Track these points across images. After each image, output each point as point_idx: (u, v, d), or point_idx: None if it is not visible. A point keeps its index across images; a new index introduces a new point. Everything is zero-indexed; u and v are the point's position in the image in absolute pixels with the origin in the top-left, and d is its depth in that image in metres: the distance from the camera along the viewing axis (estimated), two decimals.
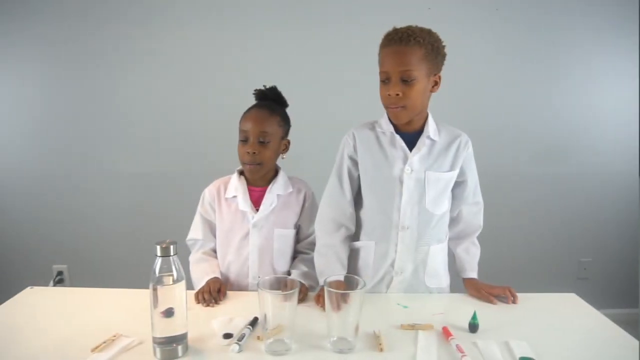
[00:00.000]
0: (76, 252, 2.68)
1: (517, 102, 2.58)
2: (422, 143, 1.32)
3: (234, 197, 1.47)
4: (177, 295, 0.98)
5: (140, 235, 2.52)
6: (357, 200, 1.44)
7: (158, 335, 0.98)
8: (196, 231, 1.53)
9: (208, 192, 1.52)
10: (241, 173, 1.51)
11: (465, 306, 1.28)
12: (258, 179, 1.47)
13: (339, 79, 2.50)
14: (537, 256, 2.69)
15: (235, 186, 1.48)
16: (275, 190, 1.47)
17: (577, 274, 2.75)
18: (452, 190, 1.41)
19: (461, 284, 1.44)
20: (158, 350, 0.99)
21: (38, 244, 2.69)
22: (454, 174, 1.36)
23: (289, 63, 2.49)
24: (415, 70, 1.22)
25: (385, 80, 1.27)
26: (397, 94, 1.24)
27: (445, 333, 1.11)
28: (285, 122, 1.49)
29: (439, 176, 1.34)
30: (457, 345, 1.03)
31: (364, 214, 1.43)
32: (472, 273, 1.43)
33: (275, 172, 1.51)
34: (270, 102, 1.48)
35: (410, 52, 1.22)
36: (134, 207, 2.64)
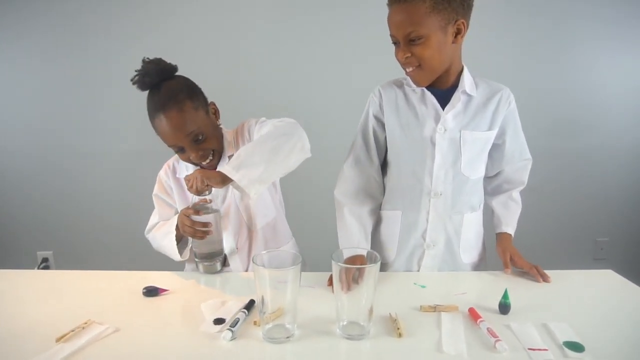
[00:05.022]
0: (62, 237, 2.56)
1: (529, 75, 2.41)
2: (457, 99, 1.16)
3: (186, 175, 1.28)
4: (212, 217, 1.14)
5: (129, 217, 2.36)
6: (382, 164, 1.29)
7: (199, 252, 1.18)
8: (153, 217, 1.34)
9: (164, 173, 1.33)
10: None
11: (492, 285, 1.14)
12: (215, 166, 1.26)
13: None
14: (551, 236, 2.55)
15: (186, 165, 1.28)
16: (226, 157, 1.26)
17: (593, 255, 2.61)
18: (490, 152, 1.25)
19: (497, 260, 1.27)
20: (200, 265, 1.20)
21: (21, 229, 2.55)
22: (493, 133, 1.20)
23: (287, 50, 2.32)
24: (421, 28, 1.05)
25: (395, 43, 1.12)
26: (407, 57, 1.09)
27: (473, 315, 0.95)
28: (195, 94, 1.19)
29: (476, 136, 1.18)
30: (488, 329, 0.88)
31: (390, 180, 1.28)
32: (507, 227, 1.29)
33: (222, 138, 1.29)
34: (161, 87, 1.15)
35: (413, 10, 1.04)
36: (120, 188, 2.49)
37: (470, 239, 1.27)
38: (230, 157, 1.24)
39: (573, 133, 2.49)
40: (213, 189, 1.11)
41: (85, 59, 2.39)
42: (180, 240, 1.23)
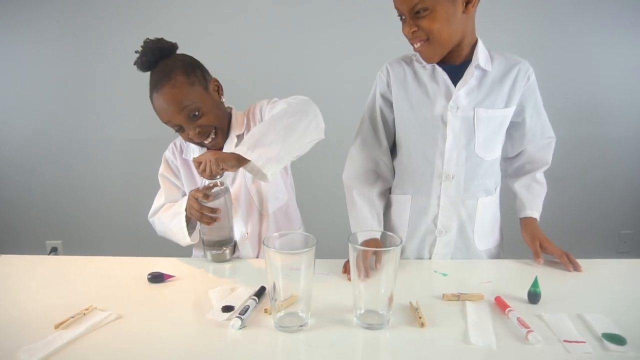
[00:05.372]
0: (71, 226, 2.53)
1: (551, 63, 2.29)
2: (470, 74, 1.08)
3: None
4: (223, 202, 1.09)
5: (137, 205, 2.33)
6: (392, 146, 1.22)
7: (207, 239, 1.12)
8: (159, 199, 1.27)
9: (170, 153, 1.28)
10: None
11: (517, 273, 1.07)
12: (220, 145, 1.19)
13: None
14: (572, 228, 2.44)
15: (192, 147, 1.23)
16: (233, 136, 1.20)
17: (616, 248, 2.52)
18: (510, 131, 1.18)
19: (515, 245, 1.20)
20: (209, 254, 1.13)
21: (31, 219, 2.54)
22: (510, 110, 1.12)
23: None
24: None
25: (401, 17, 1.05)
26: (413, 31, 1.02)
27: (500, 304, 0.88)
28: (191, 69, 1.13)
29: (491, 114, 1.10)
30: (518, 319, 0.81)
31: (399, 162, 1.21)
32: (532, 212, 1.20)
33: (229, 118, 1.24)
34: (160, 64, 1.12)
35: None
36: (129, 176, 2.46)
37: (485, 224, 1.19)
38: (238, 137, 1.19)
39: (598, 121, 2.39)
40: (225, 172, 1.04)
41: (90, 47, 2.36)
42: (189, 222, 1.17)
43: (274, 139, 0.97)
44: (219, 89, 1.21)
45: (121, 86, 2.34)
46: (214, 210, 1.07)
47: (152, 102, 1.13)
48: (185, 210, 1.13)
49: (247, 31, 2.30)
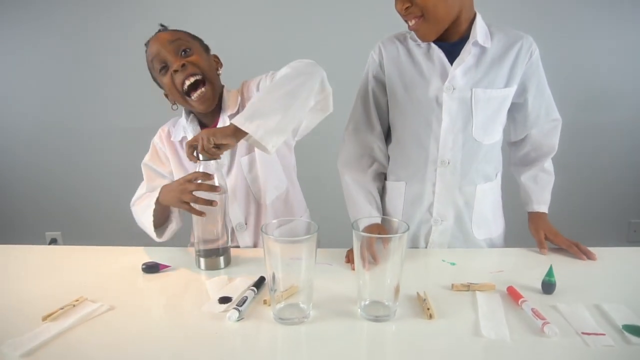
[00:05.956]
0: (70, 217, 2.50)
1: (559, 49, 2.22)
2: (467, 52, 1.01)
3: (184, 138, 1.16)
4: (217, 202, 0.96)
5: None
6: (388, 131, 1.17)
7: (200, 243, 1.00)
8: (141, 188, 1.20)
9: (157, 139, 1.21)
10: (189, 113, 1.18)
11: (529, 262, 1.02)
12: (209, 104, 1.10)
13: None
14: (581, 217, 2.38)
15: (184, 126, 1.16)
16: (226, 114, 1.13)
17: (626, 237, 2.46)
18: (513, 113, 1.12)
19: (519, 234, 1.15)
20: (202, 261, 1.00)
21: (30, 211, 2.51)
22: (511, 90, 1.05)
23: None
24: None
25: None
26: (406, 7, 0.95)
27: (513, 294, 0.83)
28: (192, 35, 1.13)
29: (490, 94, 1.03)
30: (532, 310, 0.76)
31: (393, 147, 1.15)
32: (540, 206, 1.15)
33: (220, 95, 1.16)
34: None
35: None
36: (128, 166, 2.40)
37: (484, 212, 1.13)
38: (230, 117, 1.11)
39: (606, 106, 2.31)
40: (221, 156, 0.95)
41: (88, 38, 2.32)
42: (164, 218, 1.10)
43: (275, 107, 0.90)
44: (217, 61, 1.17)
45: (120, 77, 2.30)
46: (209, 202, 0.96)
47: (146, 52, 1.09)
48: (159, 200, 1.04)
49: (244, 17, 2.25)
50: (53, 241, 2.48)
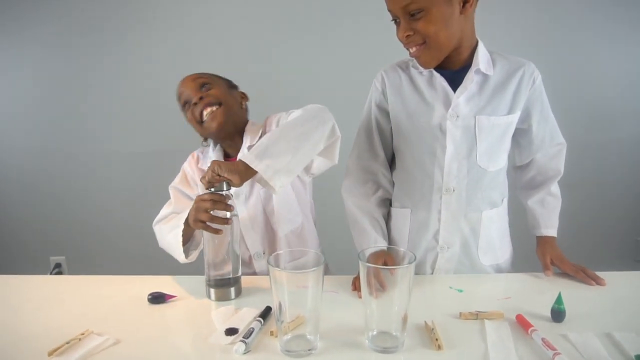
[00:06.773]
0: (75, 242, 2.50)
1: (559, 65, 2.24)
2: (470, 79, 1.02)
3: None
4: (228, 231, 0.96)
5: (142, 221, 2.29)
6: (392, 157, 1.17)
7: (212, 276, 0.99)
8: (167, 207, 1.20)
9: (187, 165, 1.25)
10: (217, 143, 1.25)
11: (537, 288, 1.01)
12: (229, 132, 1.18)
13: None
14: (587, 236, 2.36)
15: (210, 155, 1.22)
16: (246, 145, 1.18)
17: (634, 256, 2.43)
18: (517, 138, 1.12)
19: (527, 258, 1.14)
20: (212, 291, 0.98)
21: (34, 235, 2.51)
22: (514, 117, 1.06)
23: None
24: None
25: (395, 21, 1.00)
26: (408, 35, 0.97)
27: (522, 323, 0.82)
28: (222, 77, 1.24)
29: (494, 121, 1.04)
30: (543, 340, 0.75)
31: (397, 174, 1.15)
32: (548, 230, 1.14)
33: (244, 125, 1.24)
34: None
35: None
36: (133, 190, 2.42)
37: (491, 238, 1.12)
38: (249, 148, 1.14)
39: (611, 125, 2.33)
40: (232, 188, 0.95)
41: (93, 60, 2.34)
42: (190, 239, 1.11)
43: (286, 148, 0.92)
44: (244, 97, 1.27)
45: (125, 100, 2.31)
46: (225, 220, 0.95)
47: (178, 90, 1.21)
48: (187, 219, 1.02)
49: (248, 39, 2.28)
50: (57, 266, 2.48)
